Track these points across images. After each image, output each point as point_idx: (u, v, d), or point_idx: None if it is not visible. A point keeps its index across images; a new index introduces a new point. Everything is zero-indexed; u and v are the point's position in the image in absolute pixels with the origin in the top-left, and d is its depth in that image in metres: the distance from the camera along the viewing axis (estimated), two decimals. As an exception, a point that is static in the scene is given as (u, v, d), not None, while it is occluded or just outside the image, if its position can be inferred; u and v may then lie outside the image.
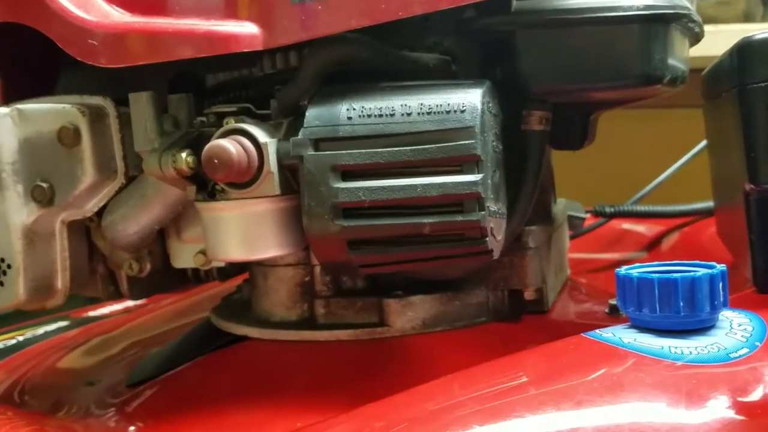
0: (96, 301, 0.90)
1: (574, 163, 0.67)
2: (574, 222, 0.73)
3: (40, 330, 0.84)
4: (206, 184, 0.48)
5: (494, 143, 0.43)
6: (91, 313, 0.90)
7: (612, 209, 0.77)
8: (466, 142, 0.40)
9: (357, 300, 0.53)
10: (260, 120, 0.48)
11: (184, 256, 0.58)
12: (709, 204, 0.76)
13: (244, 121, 0.47)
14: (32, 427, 0.53)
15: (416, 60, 0.48)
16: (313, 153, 0.43)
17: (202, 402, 0.52)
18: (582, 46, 0.44)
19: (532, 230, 0.53)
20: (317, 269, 0.54)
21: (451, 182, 0.41)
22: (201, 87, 0.56)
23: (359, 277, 0.53)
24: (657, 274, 0.38)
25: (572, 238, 0.75)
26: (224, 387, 0.54)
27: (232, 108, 0.49)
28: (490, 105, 0.43)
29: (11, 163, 0.52)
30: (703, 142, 0.82)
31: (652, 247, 0.79)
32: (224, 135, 0.45)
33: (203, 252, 0.56)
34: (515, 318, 0.53)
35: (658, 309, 0.37)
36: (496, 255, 0.43)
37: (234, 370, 0.55)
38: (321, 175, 0.43)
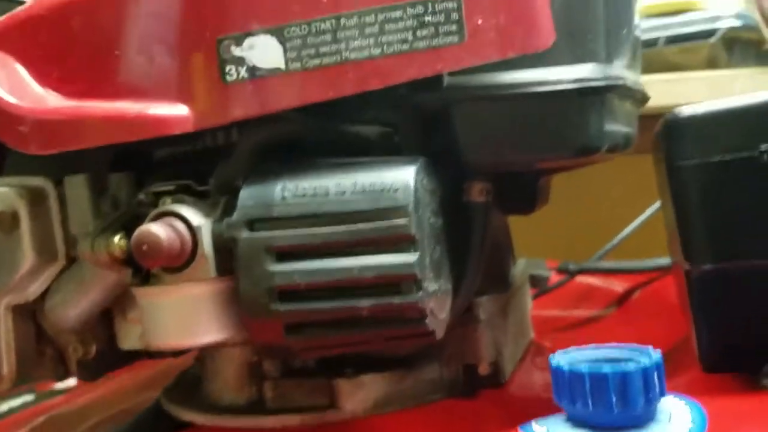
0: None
1: (537, 218, 0.66)
2: (538, 280, 0.71)
3: (4, 406, 0.81)
4: (141, 268, 0.46)
5: (431, 220, 0.42)
6: (58, 386, 0.87)
7: (576, 266, 0.76)
8: (400, 221, 0.39)
9: (306, 381, 0.51)
10: (199, 198, 0.47)
11: (130, 337, 0.55)
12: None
13: (182, 200, 0.46)
14: None
15: (356, 134, 0.48)
16: (247, 235, 0.42)
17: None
18: (515, 119, 0.43)
19: (482, 301, 0.51)
20: (266, 349, 0.52)
21: (386, 263, 0.39)
22: (149, 161, 0.55)
23: (298, 359, 0.51)
24: (587, 365, 0.36)
25: (536, 296, 0.73)
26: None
27: (170, 187, 0.47)
28: (425, 181, 0.42)
29: None
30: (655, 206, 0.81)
31: (619, 303, 0.77)
32: (156, 218, 0.44)
33: (149, 333, 0.54)
34: (470, 394, 0.51)
35: (590, 405, 0.36)
36: (439, 335, 0.42)
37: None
38: (256, 257, 0.41)
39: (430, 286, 0.40)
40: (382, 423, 0.48)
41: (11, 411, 0.80)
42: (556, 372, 0.37)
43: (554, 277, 0.78)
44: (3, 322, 0.53)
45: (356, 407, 0.49)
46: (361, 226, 0.40)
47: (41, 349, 0.57)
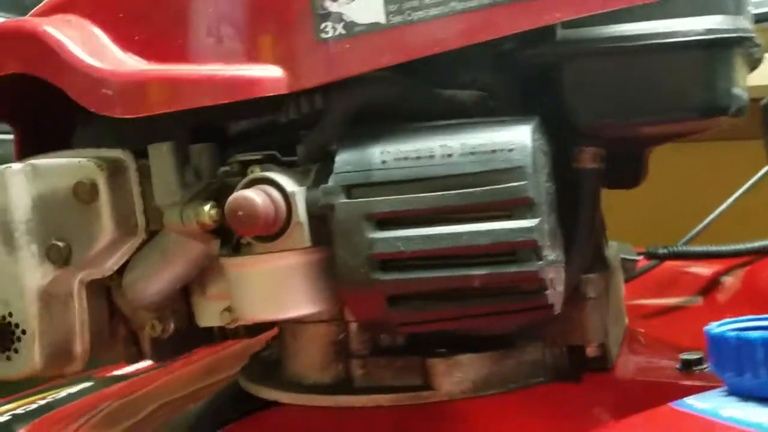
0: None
1: (619, 201, 0.62)
2: (626, 265, 0.67)
3: (63, 392, 0.81)
4: (231, 237, 0.44)
5: (547, 184, 0.39)
6: (116, 373, 0.87)
7: (665, 250, 0.72)
8: (517, 183, 0.36)
9: (397, 359, 0.48)
10: (287, 167, 0.44)
11: (209, 314, 0.54)
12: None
13: (269, 170, 0.43)
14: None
15: (451, 98, 0.45)
16: (345, 201, 0.39)
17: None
18: (638, 76, 0.39)
19: (591, 278, 0.48)
20: (353, 326, 0.50)
21: (502, 229, 0.36)
22: (223, 135, 0.53)
23: (398, 335, 0.48)
24: (757, 332, 0.33)
25: (626, 281, 0.69)
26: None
27: (257, 156, 0.45)
28: (541, 142, 0.39)
29: (25, 222, 0.50)
30: (757, 176, 0.76)
31: (708, 290, 0.73)
32: (249, 185, 0.42)
33: (229, 309, 0.52)
34: (576, 377, 0.47)
35: (763, 374, 0.32)
36: (557, 309, 0.39)
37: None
38: (354, 224, 0.39)
39: (549, 254, 0.37)
40: (482, 406, 0.45)
41: (70, 397, 0.79)
42: (718, 340, 0.33)
43: (641, 262, 0.74)
44: (77, 299, 0.51)
45: (453, 388, 0.46)
46: (472, 189, 0.37)
47: (114, 329, 0.56)
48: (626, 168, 0.50)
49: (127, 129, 0.49)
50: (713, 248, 0.73)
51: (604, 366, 0.48)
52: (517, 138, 0.37)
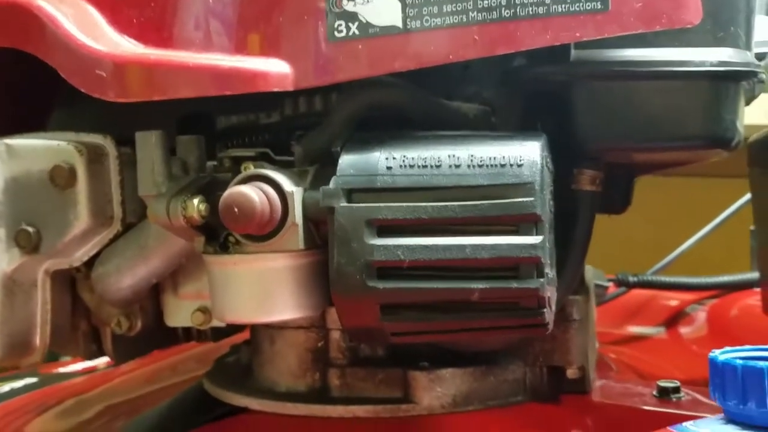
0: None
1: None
2: (596, 291, 0.68)
3: (6, 387, 0.77)
4: (218, 234, 0.43)
5: (550, 202, 0.39)
6: (62, 370, 0.83)
7: (635, 278, 0.73)
8: (525, 199, 0.36)
9: (378, 371, 0.47)
10: (281, 167, 0.43)
11: (180, 314, 0.52)
12: (736, 277, 0.72)
13: (264, 167, 0.42)
14: None
15: (455, 109, 0.44)
16: (346, 205, 0.38)
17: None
18: (648, 102, 0.40)
19: (576, 300, 0.48)
20: (333, 334, 0.49)
21: (506, 244, 0.36)
22: (211, 129, 0.51)
23: (382, 346, 0.47)
24: (765, 362, 0.33)
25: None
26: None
27: (250, 152, 0.44)
28: (548, 160, 0.38)
29: None
30: (725, 213, 0.79)
31: (674, 321, 0.74)
32: (245, 181, 0.40)
33: (202, 309, 0.50)
34: (555, 398, 0.47)
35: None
36: (550, 329, 0.38)
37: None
38: (354, 229, 0.38)
39: (549, 272, 0.37)
40: (462, 422, 0.45)
41: (13, 392, 0.76)
42: (724, 368, 0.34)
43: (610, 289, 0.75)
44: (41, 289, 0.49)
45: (433, 403, 0.45)
46: (478, 202, 0.36)
47: (75, 324, 0.53)
48: (616, 194, 0.50)
49: (110, 115, 0.47)
50: (682, 280, 0.74)
51: (582, 389, 0.49)
52: (527, 153, 0.37)
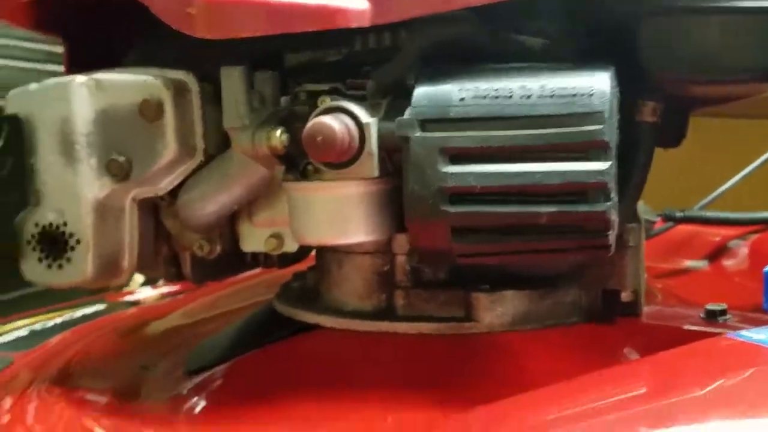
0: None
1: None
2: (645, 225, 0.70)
3: (78, 313, 0.82)
4: (297, 163, 0.46)
5: (617, 130, 0.41)
6: (128, 298, 0.88)
7: (681, 214, 0.75)
8: (595, 127, 0.38)
9: (440, 292, 0.50)
10: (354, 100, 0.46)
11: (254, 240, 0.55)
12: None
13: (341, 100, 0.45)
14: (92, 414, 0.51)
15: (521, 43, 0.46)
16: (420, 134, 0.41)
17: (271, 393, 0.49)
18: (710, 36, 0.41)
19: (633, 227, 0.50)
20: (398, 258, 0.52)
21: (575, 170, 0.38)
22: (281, 66, 0.54)
23: (446, 269, 0.51)
24: None
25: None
26: (295, 378, 0.51)
27: (325, 87, 0.46)
28: (616, 90, 0.40)
29: (86, 135, 0.51)
30: None
31: (717, 255, 0.76)
32: (326, 112, 0.43)
33: (275, 236, 0.54)
34: (610, 320, 0.50)
35: None
36: (612, 250, 0.41)
37: (305, 361, 0.53)
38: (428, 157, 0.40)
39: (615, 197, 0.39)
40: (520, 339, 0.48)
41: (85, 318, 0.81)
42: None
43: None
44: (129, 215, 0.53)
45: (494, 321, 0.49)
46: (548, 131, 0.39)
47: (158, 248, 0.57)
48: (672, 127, 0.52)
49: (189, 53, 0.50)
50: (726, 215, 0.76)
51: (634, 312, 0.51)
52: (597, 84, 0.39)
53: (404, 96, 0.43)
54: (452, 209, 0.40)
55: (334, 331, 0.53)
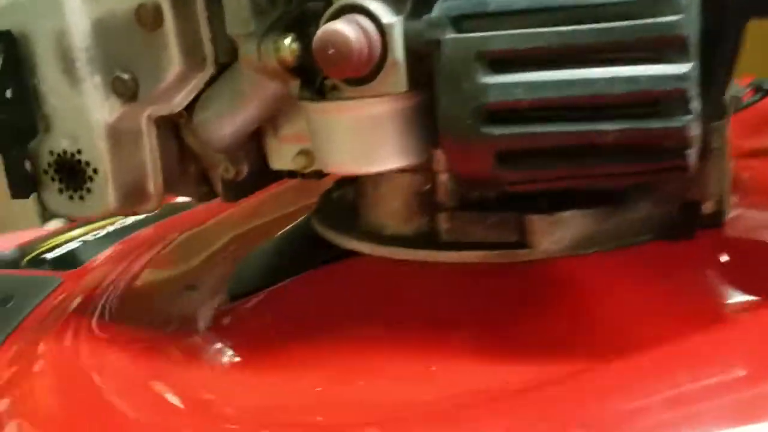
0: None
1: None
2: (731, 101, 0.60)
3: (129, 219, 0.81)
4: (314, 77, 0.39)
5: (697, 21, 0.32)
6: (180, 199, 0.86)
7: (775, 85, 0.64)
8: (670, 18, 0.30)
9: (489, 215, 0.44)
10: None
11: (282, 157, 0.50)
12: None
13: None
14: (140, 344, 0.49)
15: None
16: (454, 36, 0.33)
17: (310, 325, 0.46)
18: None
19: (717, 126, 0.42)
20: (441, 176, 0.45)
21: (646, 75, 0.30)
22: None
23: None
24: None
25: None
26: (333, 311, 0.48)
27: None
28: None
29: (85, 50, 0.45)
30: None
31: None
32: (338, 14, 0.36)
33: (304, 152, 0.49)
34: (688, 235, 0.43)
35: None
36: (693, 170, 0.33)
37: (344, 291, 0.49)
38: (464, 65, 0.33)
39: (697, 106, 0.31)
40: (584, 265, 0.42)
41: (137, 224, 0.79)
42: None
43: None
44: (147, 136, 0.48)
45: (552, 247, 0.42)
46: (611, 24, 0.30)
47: (184, 167, 0.53)
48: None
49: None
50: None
51: (717, 222, 0.44)
52: (675, -41, 0.30)
53: None
54: (495, 130, 0.33)
55: (373, 258, 0.48)
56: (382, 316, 0.45)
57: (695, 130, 0.32)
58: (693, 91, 0.30)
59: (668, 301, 0.39)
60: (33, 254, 0.74)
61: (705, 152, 0.42)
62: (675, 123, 0.31)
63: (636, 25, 0.30)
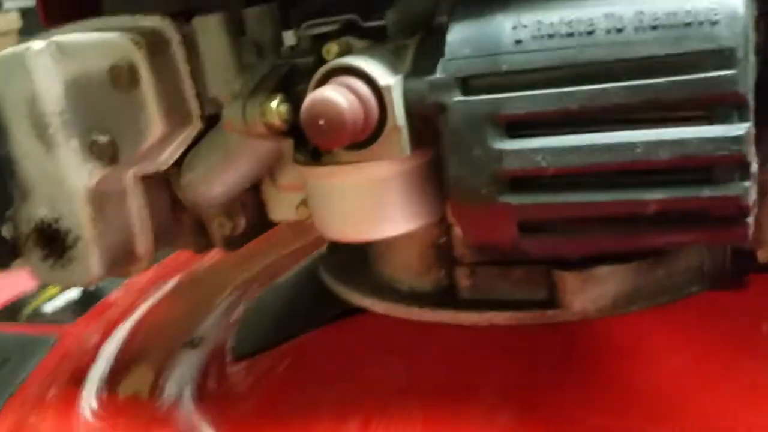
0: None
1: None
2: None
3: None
4: (307, 139, 0.35)
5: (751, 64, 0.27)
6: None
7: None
8: (723, 73, 0.25)
9: (514, 269, 0.39)
10: (372, 40, 0.34)
11: (283, 208, 0.46)
12: None
13: (351, 49, 0.33)
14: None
15: None
16: (461, 98, 0.29)
17: (313, 397, 0.42)
18: None
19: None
20: (457, 229, 0.41)
21: (695, 137, 0.25)
22: None
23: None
24: None
25: None
26: (344, 376, 0.44)
27: (333, 25, 0.34)
28: (750, 8, 0.26)
29: (59, 114, 0.41)
30: None
31: None
32: (328, 77, 0.31)
33: (306, 203, 0.44)
34: (740, 284, 0.38)
35: None
36: (750, 237, 0.29)
37: (356, 354, 0.45)
38: (475, 130, 0.29)
39: (755, 169, 0.27)
40: (627, 325, 0.37)
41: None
42: None
43: None
44: (133, 195, 0.44)
45: (587, 306, 0.38)
46: (652, 81, 0.26)
47: (178, 218, 0.49)
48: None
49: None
50: None
51: (770, 267, 0.39)
52: (725, 4, 0.25)
53: (438, 33, 0.30)
54: (516, 199, 0.29)
55: (388, 318, 0.44)
56: (397, 381, 0.41)
57: (753, 196, 0.27)
58: (750, 154, 0.26)
59: (721, 366, 0.34)
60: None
61: (760, 197, 0.37)
62: (732, 190, 0.26)
63: (682, 82, 0.25)
